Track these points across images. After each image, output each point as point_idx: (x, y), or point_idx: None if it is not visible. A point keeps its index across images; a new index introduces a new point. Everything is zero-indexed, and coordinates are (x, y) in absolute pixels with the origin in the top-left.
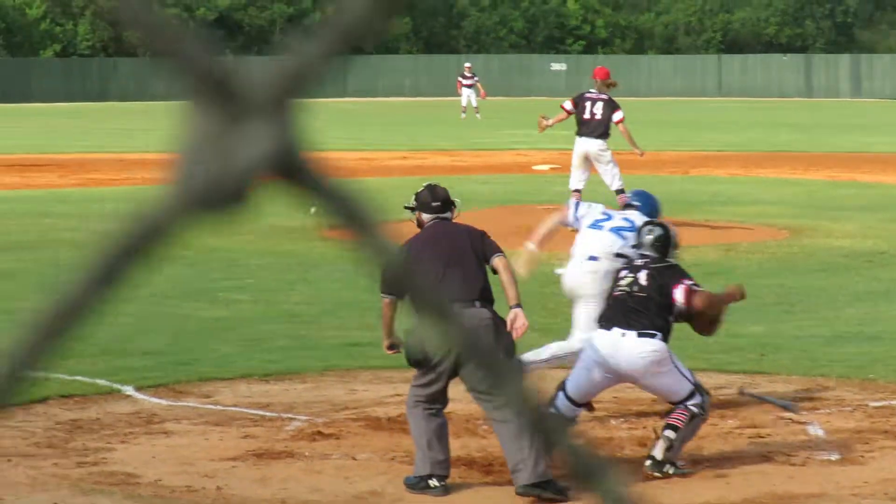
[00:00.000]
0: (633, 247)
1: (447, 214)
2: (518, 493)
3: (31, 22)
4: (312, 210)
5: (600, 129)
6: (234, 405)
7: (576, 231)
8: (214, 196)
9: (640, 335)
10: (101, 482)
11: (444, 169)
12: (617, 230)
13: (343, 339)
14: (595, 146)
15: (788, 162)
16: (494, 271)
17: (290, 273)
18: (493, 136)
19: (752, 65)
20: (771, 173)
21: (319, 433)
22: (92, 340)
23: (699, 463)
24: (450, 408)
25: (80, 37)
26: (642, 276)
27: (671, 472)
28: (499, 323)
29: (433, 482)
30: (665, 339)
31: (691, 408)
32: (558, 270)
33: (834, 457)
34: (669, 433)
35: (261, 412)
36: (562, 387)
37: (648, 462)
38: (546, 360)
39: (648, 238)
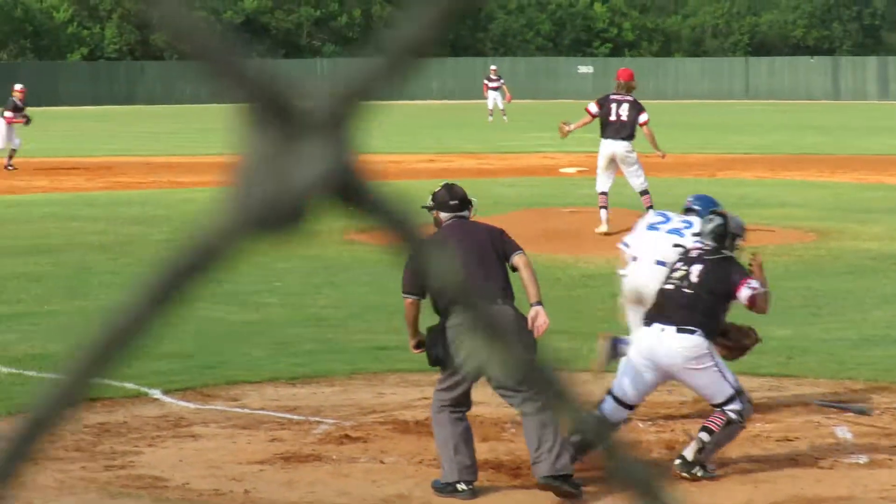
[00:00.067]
0: (695, 234)
1: (465, 213)
2: (538, 485)
3: (59, 25)
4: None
5: (626, 131)
6: (262, 408)
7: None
8: (271, 216)
9: (678, 330)
10: (129, 486)
11: (471, 172)
12: (675, 232)
13: (370, 343)
14: (622, 148)
15: (815, 164)
16: (514, 269)
17: (317, 277)
18: (519, 139)
19: (780, 67)
20: (797, 176)
21: (347, 436)
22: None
23: (726, 465)
24: (478, 411)
25: (108, 40)
26: (695, 271)
27: (699, 474)
28: (521, 321)
29: (461, 486)
30: (707, 335)
31: (729, 413)
32: (621, 272)
33: (862, 460)
34: (703, 435)
35: (288, 415)
36: (609, 390)
37: (678, 461)
38: None
39: (708, 227)
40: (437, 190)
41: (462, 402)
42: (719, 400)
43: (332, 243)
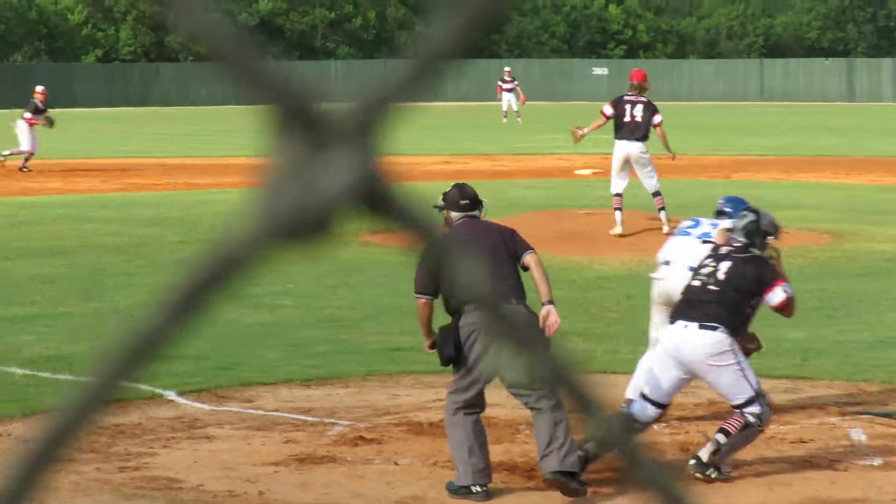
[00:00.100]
0: (728, 230)
1: (476, 213)
2: (545, 479)
3: (73, 27)
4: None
5: (641, 132)
6: (277, 410)
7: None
8: (297, 226)
9: (701, 326)
10: (143, 487)
11: (486, 173)
12: (705, 236)
13: (385, 344)
14: (636, 149)
15: (830, 166)
16: (525, 268)
17: (331, 278)
18: (534, 141)
19: (794, 69)
20: (812, 178)
21: (361, 438)
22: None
23: (741, 467)
24: (492, 412)
25: (122, 42)
26: (723, 268)
27: (714, 475)
28: (533, 320)
29: (475, 488)
30: (731, 332)
31: (747, 416)
32: (654, 275)
33: (877, 462)
34: (720, 437)
35: (303, 417)
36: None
37: (693, 462)
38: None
39: (741, 223)
40: (448, 190)
41: (476, 404)
42: (738, 401)
43: (347, 245)
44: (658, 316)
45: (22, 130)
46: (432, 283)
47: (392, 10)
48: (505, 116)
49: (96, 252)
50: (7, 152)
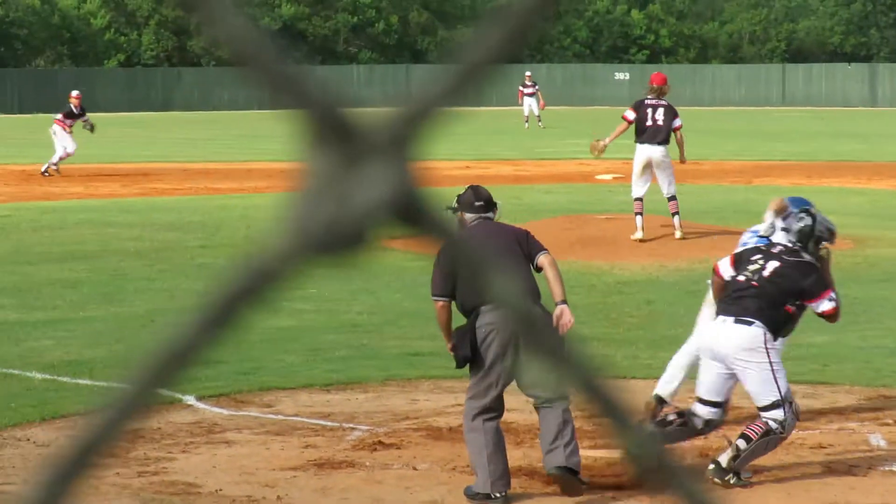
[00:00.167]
0: (783, 229)
1: (490, 214)
2: (548, 473)
3: (96, 32)
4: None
5: (662, 135)
6: (296, 415)
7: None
8: (332, 240)
9: (737, 321)
10: (162, 492)
11: (507, 178)
12: (763, 241)
13: (404, 349)
14: (658, 153)
15: (852, 171)
16: (538, 269)
17: (351, 283)
18: (555, 146)
19: (817, 74)
20: (834, 183)
21: (380, 443)
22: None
23: (760, 472)
24: (511, 417)
25: (144, 46)
26: (770, 267)
27: (732, 481)
28: (548, 320)
29: (494, 494)
30: (768, 330)
31: (770, 422)
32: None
33: None
34: (741, 442)
35: (322, 422)
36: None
37: (712, 467)
38: (683, 379)
39: (796, 225)
40: (462, 192)
41: (494, 408)
42: (764, 402)
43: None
44: (706, 312)
45: (59, 136)
46: (449, 284)
47: (415, 14)
48: (526, 121)
49: (117, 257)
50: (56, 159)
